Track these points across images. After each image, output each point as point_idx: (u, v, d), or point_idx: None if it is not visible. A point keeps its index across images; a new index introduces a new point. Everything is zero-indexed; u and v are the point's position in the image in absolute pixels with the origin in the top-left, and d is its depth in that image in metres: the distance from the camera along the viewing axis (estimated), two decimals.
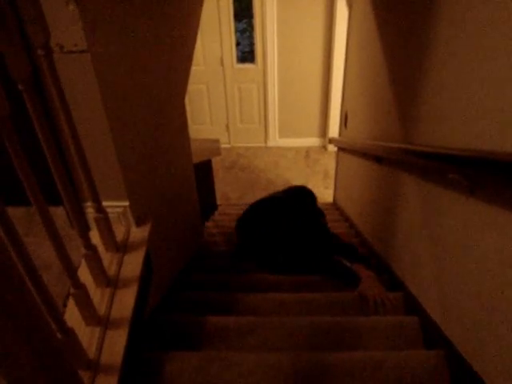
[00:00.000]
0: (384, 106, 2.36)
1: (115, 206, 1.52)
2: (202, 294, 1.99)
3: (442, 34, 1.49)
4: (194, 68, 3.07)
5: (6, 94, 0.80)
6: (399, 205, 2.05)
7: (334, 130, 5.91)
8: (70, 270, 1.11)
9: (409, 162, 1.84)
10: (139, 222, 1.61)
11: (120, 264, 1.48)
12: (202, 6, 2.77)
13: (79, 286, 1.16)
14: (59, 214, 1.50)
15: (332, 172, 4.83)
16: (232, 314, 1.81)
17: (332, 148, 5.79)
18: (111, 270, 1.44)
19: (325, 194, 4.98)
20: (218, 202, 4.78)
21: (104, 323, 1.29)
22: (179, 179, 2.37)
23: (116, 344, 1.25)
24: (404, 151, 1.83)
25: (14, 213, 1.42)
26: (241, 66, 6.10)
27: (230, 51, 5.93)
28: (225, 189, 5.28)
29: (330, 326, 1.64)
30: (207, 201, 4.15)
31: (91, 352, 1.20)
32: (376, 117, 2.59)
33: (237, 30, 5.87)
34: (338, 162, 4.32)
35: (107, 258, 1.47)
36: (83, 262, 1.34)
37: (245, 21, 5.92)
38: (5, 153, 0.85)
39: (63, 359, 0.95)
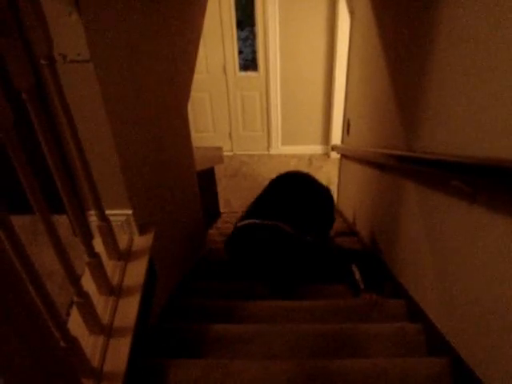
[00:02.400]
0: (386, 113, 2.36)
1: (118, 215, 1.52)
2: (204, 301, 1.99)
3: (444, 42, 1.50)
4: (196, 76, 3.08)
5: (9, 103, 0.80)
6: (402, 212, 2.04)
7: (336, 138, 5.91)
8: (74, 279, 1.11)
9: (411, 169, 1.84)
10: (142, 231, 1.62)
11: (123, 272, 1.48)
12: (204, 14, 2.79)
13: (82, 295, 1.16)
14: (63, 222, 1.50)
15: (335, 179, 4.82)
16: (234, 322, 1.81)
17: (335, 155, 5.78)
18: (114, 279, 1.44)
19: None
20: (222, 210, 4.78)
21: (107, 331, 1.29)
22: (182, 187, 2.37)
23: (119, 352, 1.25)
24: (406, 158, 1.83)
25: (18, 221, 1.43)
26: (243, 74, 6.12)
27: (233, 59, 5.94)
28: (228, 196, 5.28)
29: (334, 334, 1.63)
30: (210, 209, 4.15)
31: (95, 360, 1.20)
32: (378, 124, 2.60)
33: (239, 39, 5.89)
34: (340, 169, 4.31)
35: (110, 266, 1.47)
36: (86, 270, 1.34)
37: (247, 29, 5.94)
38: (9, 161, 0.85)
39: (67, 367, 0.95)
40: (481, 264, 1.25)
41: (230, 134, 6.56)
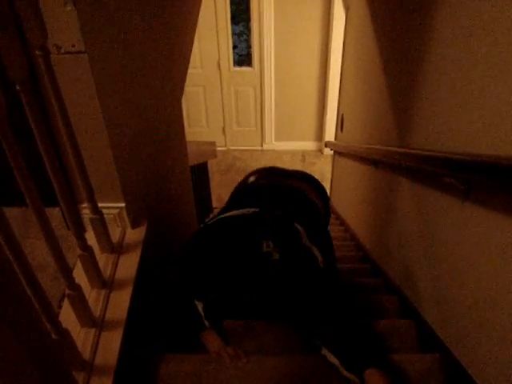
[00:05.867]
0: (380, 109, 2.37)
1: (111, 207, 1.52)
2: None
3: (439, 39, 1.50)
4: (190, 70, 3.07)
5: (3, 94, 0.80)
6: (395, 209, 2.05)
7: (330, 134, 5.92)
8: (66, 271, 1.11)
9: (405, 165, 1.84)
10: (135, 224, 1.61)
11: (115, 265, 1.48)
12: (199, 8, 2.77)
13: (74, 287, 1.16)
14: (55, 214, 1.49)
15: (328, 175, 4.83)
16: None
17: (328, 151, 5.78)
18: (107, 272, 1.44)
19: None
20: (214, 205, 4.78)
21: (99, 324, 1.29)
22: (175, 181, 2.37)
23: (111, 345, 1.25)
24: (400, 155, 1.84)
25: (10, 213, 1.42)
26: (238, 69, 6.10)
27: (227, 54, 5.92)
28: (220, 191, 5.27)
29: None
30: (203, 203, 4.15)
31: (86, 353, 1.20)
32: (372, 120, 2.60)
33: (234, 33, 5.87)
34: (333, 166, 4.32)
35: (103, 259, 1.47)
36: (78, 263, 1.33)
37: (242, 24, 5.92)
38: (1, 153, 0.85)
39: (58, 360, 0.95)
40: (472, 261, 1.26)
41: (223, 128, 6.55)
